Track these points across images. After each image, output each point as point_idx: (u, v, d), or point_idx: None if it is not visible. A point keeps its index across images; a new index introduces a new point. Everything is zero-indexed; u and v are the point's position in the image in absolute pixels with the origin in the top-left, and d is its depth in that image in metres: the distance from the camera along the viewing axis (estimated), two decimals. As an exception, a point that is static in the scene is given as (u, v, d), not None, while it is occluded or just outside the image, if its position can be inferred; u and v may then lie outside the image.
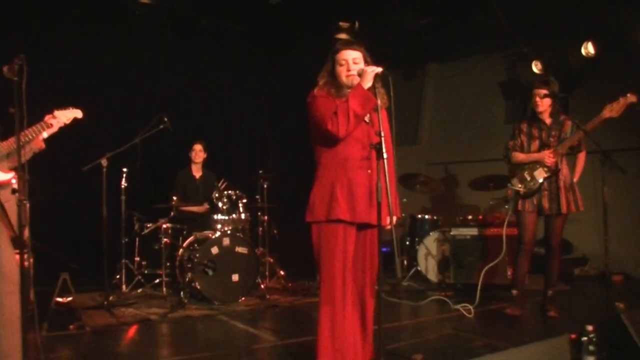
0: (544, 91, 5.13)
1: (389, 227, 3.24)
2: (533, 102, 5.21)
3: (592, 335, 3.06)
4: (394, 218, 3.26)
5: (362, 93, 3.13)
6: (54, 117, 3.75)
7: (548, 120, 5.19)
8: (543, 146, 5.14)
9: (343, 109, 3.11)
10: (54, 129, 3.76)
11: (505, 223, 5.60)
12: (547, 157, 5.06)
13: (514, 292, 5.32)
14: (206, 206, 6.67)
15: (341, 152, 3.25)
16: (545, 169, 5.08)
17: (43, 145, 3.80)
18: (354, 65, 3.25)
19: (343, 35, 8.31)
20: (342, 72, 3.27)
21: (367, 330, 3.42)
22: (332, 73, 3.32)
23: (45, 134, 3.73)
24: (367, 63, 3.28)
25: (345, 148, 3.25)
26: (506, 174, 5.46)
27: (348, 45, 3.31)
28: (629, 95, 4.72)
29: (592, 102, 7.39)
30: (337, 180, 3.23)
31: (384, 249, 3.30)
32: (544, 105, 5.16)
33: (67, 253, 6.69)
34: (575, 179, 5.15)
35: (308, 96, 3.35)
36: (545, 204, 5.12)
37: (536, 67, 8.05)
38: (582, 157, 5.19)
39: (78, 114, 3.91)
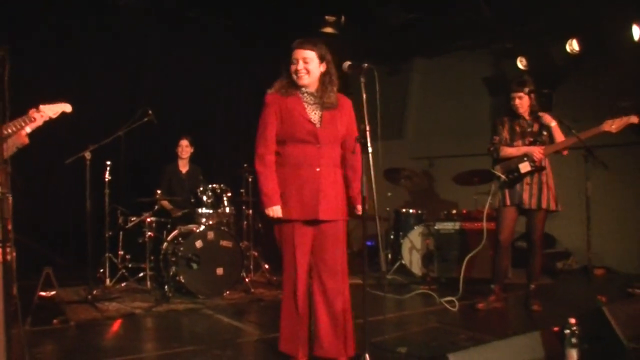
0: (522, 93, 5.19)
1: (359, 212, 3.51)
2: (512, 104, 5.27)
3: (574, 328, 3.09)
4: (359, 207, 3.57)
5: (265, 201, 3.40)
6: (39, 112, 3.69)
7: (528, 118, 5.24)
8: (534, 143, 5.18)
9: (263, 184, 3.40)
10: (38, 123, 3.70)
11: (485, 214, 5.64)
12: (538, 152, 5.09)
13: (494, 286, 5.36)
14: (182, 212, 6.67)
15: (289, 152, 3.42)
16: (532, 163, 5.12)
17: (27, 141, 3.74)
18: (303, 64, 3.39)
19: (329, 29, 8.30)
20: (292, 69, 3.43)
21: (337, 323, 3.48)
22: (288, 69, 3.48)
23: (28, 129, 3.67)
24: (322, 61, 3.43)
25: (293, 149, 3.41)
26: (490, 168, 5.48)
27: (301, 44, 3.44)
28: (632, 116, 4.80)
29: (576, 98, 7.49)
30: (287, 179, 3.40)
31: (369, 243, 3.36)
32: (523, 106, 5.23)
33: (51, 247, 6.65)
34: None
35: (265, 96, 3.51)
36: (526, 198, 5.16)
37: (521, 64, 8.09)
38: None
39: (67, 108, 3.85)
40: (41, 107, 3.71)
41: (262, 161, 3.41)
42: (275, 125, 3.41)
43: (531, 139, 5.19)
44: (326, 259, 3.48)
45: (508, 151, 5.27)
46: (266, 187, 3.37)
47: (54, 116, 3.77)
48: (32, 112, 3.65)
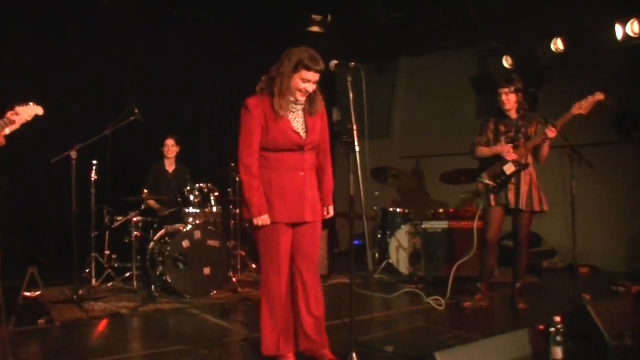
0: (509, 89, 5.21)
1: (328, 217, 3.65)
2: (499, 100, 5.29)
3: (559, 326, 3.11)
4: (331, 208, 3.69)
5: (253, 211, 3.39)
6: (17, 114, 3.69)
7: (514, 117, 5.27)
8: (510, 143, 5.21)
9: (251, 195, 3.38)
10: (16, 126, 3.71)
11: (477, 217, 5.67)
12: (507, 151, 5.14)
13: (480, 285, 5.39)
14: (169, 211, 6.65)
15: (274, 157, 3.44)
16: (515, 163, 5.15)
17: (4, 142, 3.74)
18: (311, 86, 3.36)
19: (316, 28, 8.30)
20: (299, 86, 3.35)
21: (318, 317, 3.57)
22: (288, 78, 3.34)
23: (7, 131, 3.67)
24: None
25: (278, 155, 3.43)
26: (477, 167, 5.51)
27: (317, 68, 3.32)
28: (597, 93, 4.81)
29: (561, 97, 7.52)
30: (271, 182, 3.43)
31: (356, 242, 3.38)
32: (510, 102, 5.24)
33: (36, 247, 6.60)
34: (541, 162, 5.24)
35: (246, 101, 3.42)
36: (511, 198, 5.20)
37: (507, 63, 8.14)
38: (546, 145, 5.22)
39: (39, 111, 3.85)
40: (17, 108, 3.71)
41: (249, 171, 3.39)
42: (259, 134, 3.39)
43: (508, 140, 5.23)
44: (308, 257, 3.56)
45: (482, 151, 5.36)
46: (254, 197, 3.37)
47: (29, 119, 3.77)
48: (11, 115, 3.65)
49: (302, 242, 3.54)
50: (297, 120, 3.45)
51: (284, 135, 3.37)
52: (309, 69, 3.30)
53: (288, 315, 3.59)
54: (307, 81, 3.33)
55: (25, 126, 3.77)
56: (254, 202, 3.37)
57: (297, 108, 3.46)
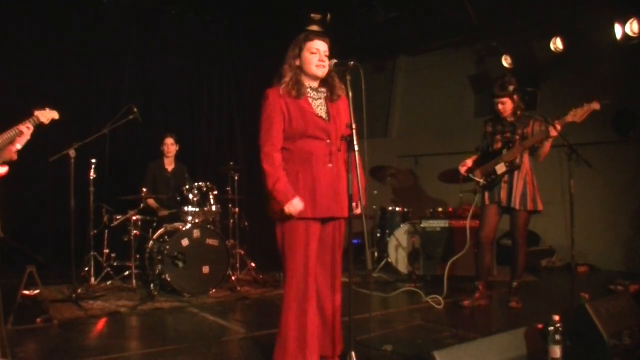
0: (504, 99, 5.25)
1: (358, 212, 3.32)
2: (497, 109, 5.33)
3: (558, 325, 3.12)
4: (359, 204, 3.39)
5: (280, 198, 3.16)
6: (31, 122, 3.78)
7: (511, 119, 5.29)
8: (506, 145, 5.24)
9: (274, 182, 3.17)
10: (27, 137, 3.79)
11: (470, 215, 5.67)
12: (462, 165, 5.44)
13: (478, 283, 5.40)
14: (168, 212, 6.67)
15: (299, 148, 3.26)
16: (506, 164, 5.19)
17: (15, 157, 3.81)
18: (323, 57, 3.26)
19: (314, 27, 8.28)
20: (312, 60, 3.26)
21: (330, 324, 3.41)
22: (300, 60, 3.30)
23: (19, 146, 3.73)
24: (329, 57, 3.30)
25: (303, 145, 3.26)
26: (469, 174, 5.54)
27: (321, 35, 3.30)
28: (594, 102, 4.81)
29: (560, 96, 7.57)
30: (298, 176, 3.24)
31: (355, 241, 3.35)
32: (507, 110, 5.29)
33: (34, 245, 6.58)
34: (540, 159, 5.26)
35: (266, 91, 3.32)
36: (504, 196, 5.24)
37: (506, 62, 8.15)
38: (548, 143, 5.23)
39: (55, 115, 4.00)
40: (36, 112, 3.81)
41: (271, 160, 3.21)
42: (281, 123, 3.23)
43: (505, 140, 5.27)
44: (330, 257, 3.38)
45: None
46: (278, 185, 3.16)
47: (46, 122, 3.87)
48: (21, 126, 3.73)
49: (328, 240, 3.37)
50: (320, 108, 3.32)
51: (305, 119, 3.23)
52: (310, 39, 3.26)
53: (317, 319, 3.35)
54: (316, 50, 3.25)
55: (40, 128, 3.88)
56: (278, 189, 3.15)
57: (318, 95, 3.35)
